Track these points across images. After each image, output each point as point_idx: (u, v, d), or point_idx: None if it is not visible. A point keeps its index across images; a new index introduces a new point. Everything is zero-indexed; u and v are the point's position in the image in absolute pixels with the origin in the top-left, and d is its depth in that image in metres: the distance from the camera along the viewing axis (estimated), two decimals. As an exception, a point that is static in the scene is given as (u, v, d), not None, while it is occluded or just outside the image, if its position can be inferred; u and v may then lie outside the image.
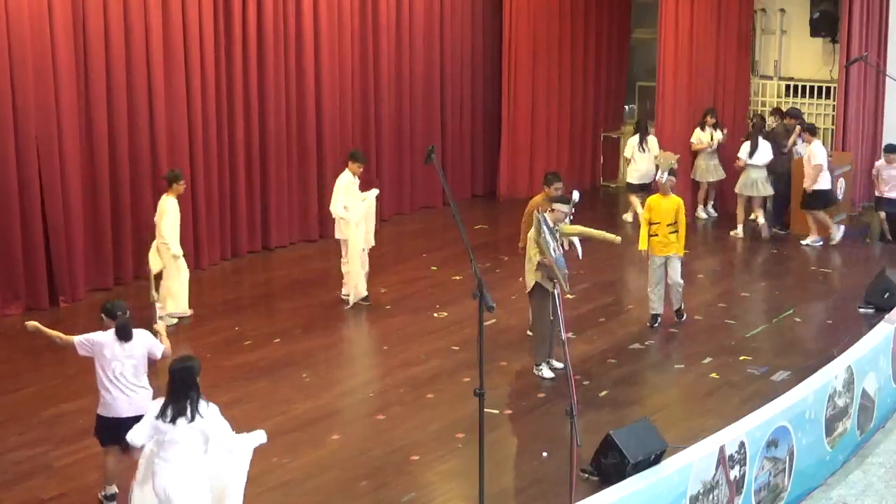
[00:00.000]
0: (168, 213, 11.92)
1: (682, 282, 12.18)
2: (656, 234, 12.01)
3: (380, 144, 16.95)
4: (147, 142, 13.68)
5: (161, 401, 7.03)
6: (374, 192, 13.04)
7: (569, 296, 10.99)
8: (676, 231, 11.99)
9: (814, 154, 15.45)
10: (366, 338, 12.47)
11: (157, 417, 6.95)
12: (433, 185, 17.67)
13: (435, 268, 14.52)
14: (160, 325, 8.64)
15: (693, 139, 17.03)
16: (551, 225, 10.52)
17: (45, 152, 12.56)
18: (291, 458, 8.99)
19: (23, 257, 12.51)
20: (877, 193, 16.06)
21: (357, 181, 12.85)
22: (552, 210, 10.68)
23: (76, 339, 8.08)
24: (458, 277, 13.99)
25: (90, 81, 13.02)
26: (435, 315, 12.64)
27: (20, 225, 12.47)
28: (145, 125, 13.64)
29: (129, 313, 8.16)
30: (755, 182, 16.11)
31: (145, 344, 8.09)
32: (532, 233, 10.48)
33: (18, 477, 8.62)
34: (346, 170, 12.87)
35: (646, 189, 16.92)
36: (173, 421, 6.89)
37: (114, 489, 8.23)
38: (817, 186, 15.49)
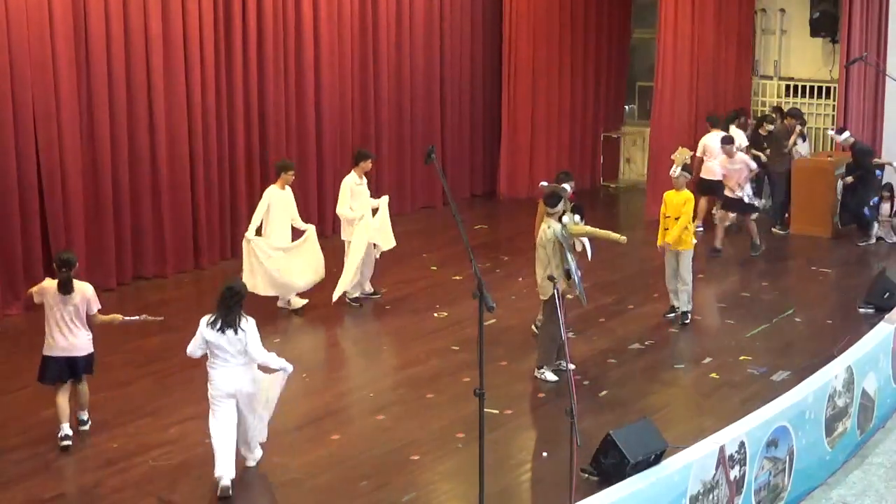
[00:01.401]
0: (262, 201, 12.34)
1: (688, 279, 12.22)
2: (668, 229, 12.20)
3: (380, 144, 16.94)
4: (147, 142, 13.68)
5: (209, 316, 8.41)
6: (385, 199, 13.11)
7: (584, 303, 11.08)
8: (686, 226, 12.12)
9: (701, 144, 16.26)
10: (366, 338, 12.47)
11: (207, 326, 8.37)
12: (433, 185, 17.68)
13: (435, 268, 14.52)
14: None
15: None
16: (561, 229, 10.45)
17: (45, 152, 12.56)
18: (291, 458, 9.00)
19: (22, 258, 12.50)
20: (727, 194, 15.22)
21: (363, 181, 12.85)
22: (549, 213, 10.60)
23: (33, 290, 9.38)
24: (458, 277, 13.98)
25: (91, 82, 13.02)
26: (435, 315, 12.64)
27: (20, 225, 12.46)
28: (145, 126, 13.64)
29: (75, 268, 9.19)
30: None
31: (85, 296, 9.14)
32: (551, 252, 10.42)
33: (18, 477, 8.61)
34: (353, 171, 12.87)
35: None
36: (222, 330, 8.32)
37: (67, 430, 9.09)
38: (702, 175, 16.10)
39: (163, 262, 14.03)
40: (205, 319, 8.44)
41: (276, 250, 12.30)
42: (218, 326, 8.34)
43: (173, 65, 13.81)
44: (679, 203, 12.14)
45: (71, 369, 9.19)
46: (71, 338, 9.10)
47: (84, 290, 9.16)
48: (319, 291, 13.26)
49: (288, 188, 12.48)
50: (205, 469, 8.87)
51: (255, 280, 12.16)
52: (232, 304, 8.40)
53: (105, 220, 13.35)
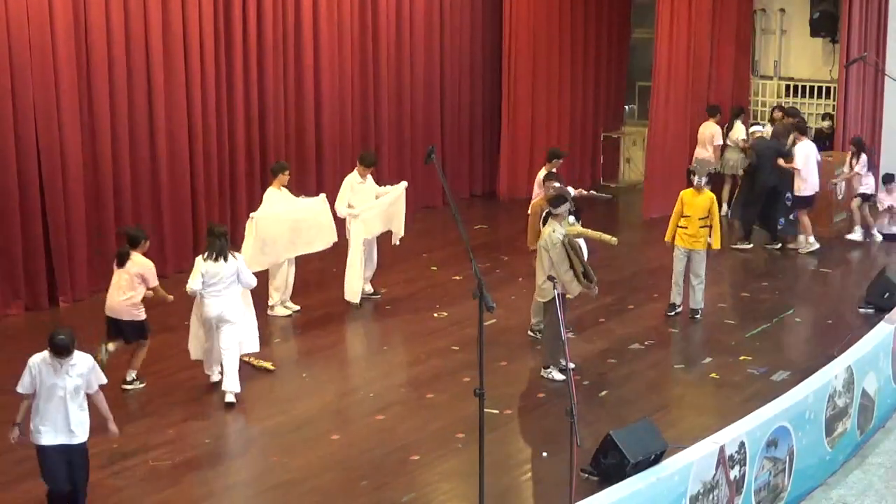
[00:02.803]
0: (263, 203, 12.42)
1: (702, 276, 12.32)
2: (686, 227, 12.25)
3: (380, 145, 16.95)
4: (146, 142, 13.67)
5: (203, 254, 10.03)
6: (402, 185, 13.09)
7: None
8: (708, 226, 12.18)
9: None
10: (366, 338, 12.47)
11: (205, 260, 9.97)
12: (433, 185, 17.67)
13: (435, 268, 14.52)
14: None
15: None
16: (563, 233, 10.45)
17: (45, 152, 12.54)
18: (291, 458, 9.00)
19: (23, 257, 12.49)
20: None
21: (365, 181, 12.89)
22: (554, 215, 10.60)
23: None
24: (458, 277, 13.98)
25: (91, 82, 12.99)
26: (435, 315, 12.64)
27: (20, 224, 12.44)
28: (145, 126, 13.63)
29: (141, 244, 10.30)
30: (728, 161, 17.16)
31: (140, 271, 10.16)
32: (557, 257, 10.42)
33: (18, 477, 8.59)
34: (355, 170, 12.99)
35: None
36: (217, 259, 9.95)
37: (132, 374, 10.38)
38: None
39: (163, 261, 14.01)
40: (200, 256, 10.06)
41: (282, 214, 12.25)
42: (214, 257, 9.95)
43: (173, 65, 13.81)
44: (703, 205, 12.22)
45: (116, 329, 10.24)
46: (114, 299, 10.20)
47: (141, 265, 10.23)
48: (320, 292, 13.29)
49: (283, 188, 12.50)
50: (205, 469, 8.89)
51: (264, 255, 12.00)
52: (218, 234, 10.08)
53: (106, 220, 13.33)
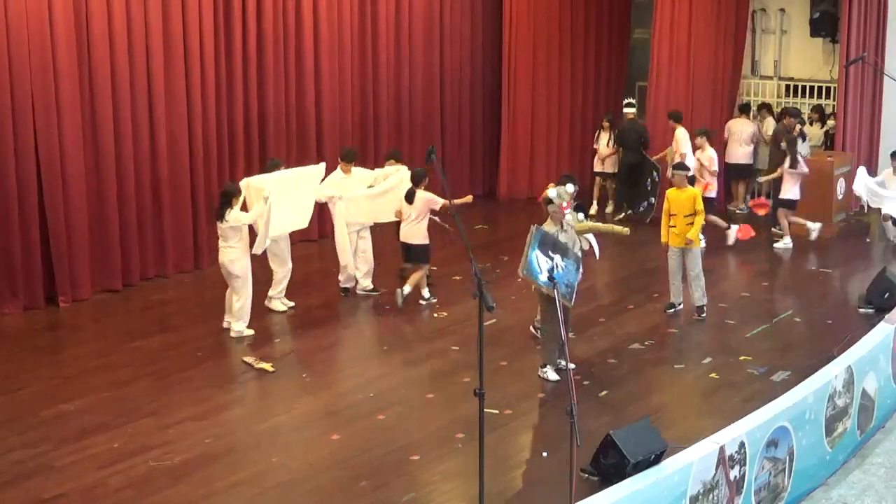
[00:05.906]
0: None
1: (697, 272, 12.33)
2: (675, 226, 12.27)
3: (379, 145, 16.94)
4: (147, 142, 13.66)
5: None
6: (401, 172, 13.19)
7: (567, 305, 10.83)
8: (693, 223, 12.20)
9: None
10: (366, 338, 12.47)
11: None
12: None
13: (435, 267, 14.50)
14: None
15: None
16: (554, 231, 10.43)
17: (45, 150, 12.51)
18: (291, 458, 8.99)
19: (21, 256, 12.47)
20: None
21: (347, 176, 13.04)
22: (550, 214, 10.63)
23: None
24: (458, 277, 13.98)
25: (92, 84, 12.96)
26: (435, 315, 12.64)
27: (18, 223, 12.42)
28: (145, 125, 13.62)
29: (424, 181, 12.80)
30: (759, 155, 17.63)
31: (423, 202, 12.51)
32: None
33: (18, 477, 8.61)
34: (338, 167, 13.28)
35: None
36: (216, 219, 11.56)
37: (407, 289, 12.54)
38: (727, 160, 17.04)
39: (163, 261, 14.03)
40: None
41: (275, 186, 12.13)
42: (217, 219, 11.52)
43: (174, 65, 13.79)
44: (686, 202, 12.21)
45: (407, 253, 12.56)
46: (408, 228, 12.48)
47: (422, 198, 12.47)
48: (320, 292, 13.29)
49: None
50: (205, 469, 8.89)
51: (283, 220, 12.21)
52: (221, 200, 11.51)
53: (106, 219, 13.31)
